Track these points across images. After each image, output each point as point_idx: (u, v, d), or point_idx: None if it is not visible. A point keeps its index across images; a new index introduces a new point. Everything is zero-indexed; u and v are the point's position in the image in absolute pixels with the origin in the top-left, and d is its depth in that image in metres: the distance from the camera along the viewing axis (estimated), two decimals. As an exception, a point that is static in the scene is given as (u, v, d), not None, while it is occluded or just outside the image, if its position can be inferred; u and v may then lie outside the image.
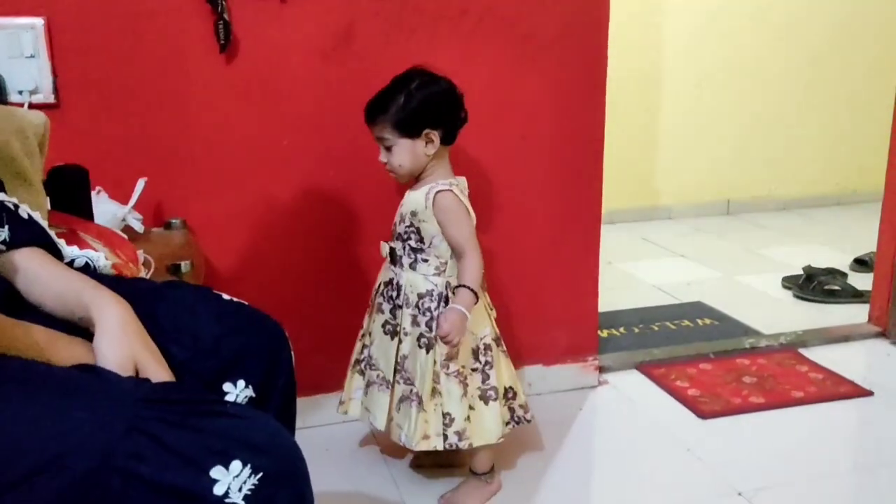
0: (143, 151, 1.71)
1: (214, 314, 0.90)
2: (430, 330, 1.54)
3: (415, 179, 1.59)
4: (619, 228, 3.83)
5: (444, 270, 1.56)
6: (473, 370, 1.59)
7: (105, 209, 1.58)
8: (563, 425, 1.95)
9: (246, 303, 0.96)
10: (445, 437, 1.56)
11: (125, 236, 1.13)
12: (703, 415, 1.96)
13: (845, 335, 2.44)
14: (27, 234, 0.86)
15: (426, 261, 1.56)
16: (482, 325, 1.60)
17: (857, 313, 2.60)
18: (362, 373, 1.67)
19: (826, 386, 2.11)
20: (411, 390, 1.56)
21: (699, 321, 2.60)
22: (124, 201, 1.63)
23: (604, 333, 2.48)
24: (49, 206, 1.15)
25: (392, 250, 1.60)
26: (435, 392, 1.55)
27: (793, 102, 4.04)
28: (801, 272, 2.91)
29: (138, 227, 1.61)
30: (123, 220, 1.60)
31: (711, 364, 2.25)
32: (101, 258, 0.94)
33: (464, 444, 1.58)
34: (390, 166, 1.55)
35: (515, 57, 1.88)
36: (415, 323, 1.56)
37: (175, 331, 0.87)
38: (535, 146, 1.94)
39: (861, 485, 1.71)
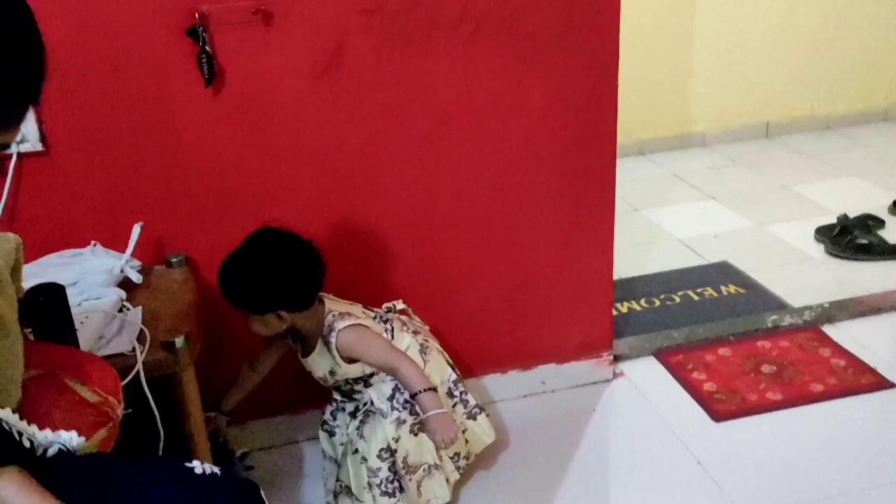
0: (139, 192, 1.68)
1: (181, 500, 0.90)
2: (414, 416, 1.60)
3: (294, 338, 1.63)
4: (650, 161, 3.71)
5: None
6: (454, 406, 1.68)
7: (100, 265, 1.58)
8: (574, 427, 1.96)
9: (218, 471, 0.96)
10: (458, 467, 1.71)
11: (108, 364, 1.13)
12: (716, 416, 1.96)
13: (876, 307, 2.37)
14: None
15: (374, 374, 1.60)
16: (442, 369, 1.68)
17: (892, 271, 2.52)
18: None
19: (847, 376, 2.07)
20: (424, 468, 1.63)
21: (723, 289, 2.54)
22: (122, 249, 1.63)
23: (623, 308, 2.45)
24: (31, 337, 1.15)
25: (343, 393, 1.65)
26: (438, 450, 1.65)
27: (833, 12, 3.76)
28: (835, 221, 2.80)
29: (136, 277, 1.61)
30: (121, 271, 1.60)
31: (731, 348, 2.22)
32: (73, 438, 0.94)
33: (471, 460, 1.75)
34: (257, 332, 1.56)
35: (519, 59, 1.77)
36: (399, 422, 1.60)
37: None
38: (541, 147, 1.86)
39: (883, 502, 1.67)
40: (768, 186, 3.36)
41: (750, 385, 2.06)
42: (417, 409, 1.57)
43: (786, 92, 3.88)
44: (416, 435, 1.61)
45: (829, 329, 2.28)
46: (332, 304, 1.61)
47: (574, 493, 1.76)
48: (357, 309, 1.63)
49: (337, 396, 1.67)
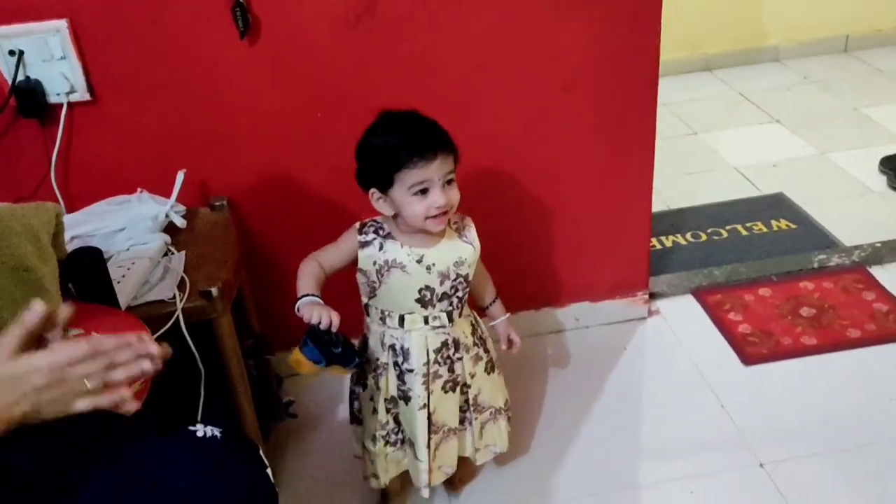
0: (182, 138, 1.75)
1: (186, 471, 0.99)
2: (489, 352, 1.58)
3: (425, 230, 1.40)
4: (715, 79, 3.59)
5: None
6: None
7: (146, 212, 1.67)
8: (603, 364, 2.01)
9: (219, 434, 1.04)
10: (508, 418, 1.66)
11: (142, 323, 1.23)
12: (747, 359, 1.97)
13: (931, 248, 2.30)
14: None
15: (466, 302, 1.52)
16: None
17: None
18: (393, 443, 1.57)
19: (888, 322, 2.04)
20: (491, 411, 1.60)
21: (774, 224, 2.50)
22: (167, 194, 1.72)
23: (668, 242, 2.45)
24: (74, 293, 1.26)
25: (448, 313, 1.47)
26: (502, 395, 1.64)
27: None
28: (902, 152, 2.69)
29: (180, 222, 1.70)
30: (166, 216, 1.70)
31: (772, 289, 2.21)
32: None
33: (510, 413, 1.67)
34: (450, 205, 1.37)
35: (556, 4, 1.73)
36: (477, 358, 1.55)
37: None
38: (579, 94, 1.84)
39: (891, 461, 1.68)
40: (838, 108, 3.22)
41: (786, 328, 2.06)
42: (493, 313, 1.62)
43: (867, 2, 3.64)
44: (489, 374, 1.57)
45: (877, 271, 2.24)
46: None
47: (594, 430, 1.82)
48: None
49: (429, 330, 1.46)
